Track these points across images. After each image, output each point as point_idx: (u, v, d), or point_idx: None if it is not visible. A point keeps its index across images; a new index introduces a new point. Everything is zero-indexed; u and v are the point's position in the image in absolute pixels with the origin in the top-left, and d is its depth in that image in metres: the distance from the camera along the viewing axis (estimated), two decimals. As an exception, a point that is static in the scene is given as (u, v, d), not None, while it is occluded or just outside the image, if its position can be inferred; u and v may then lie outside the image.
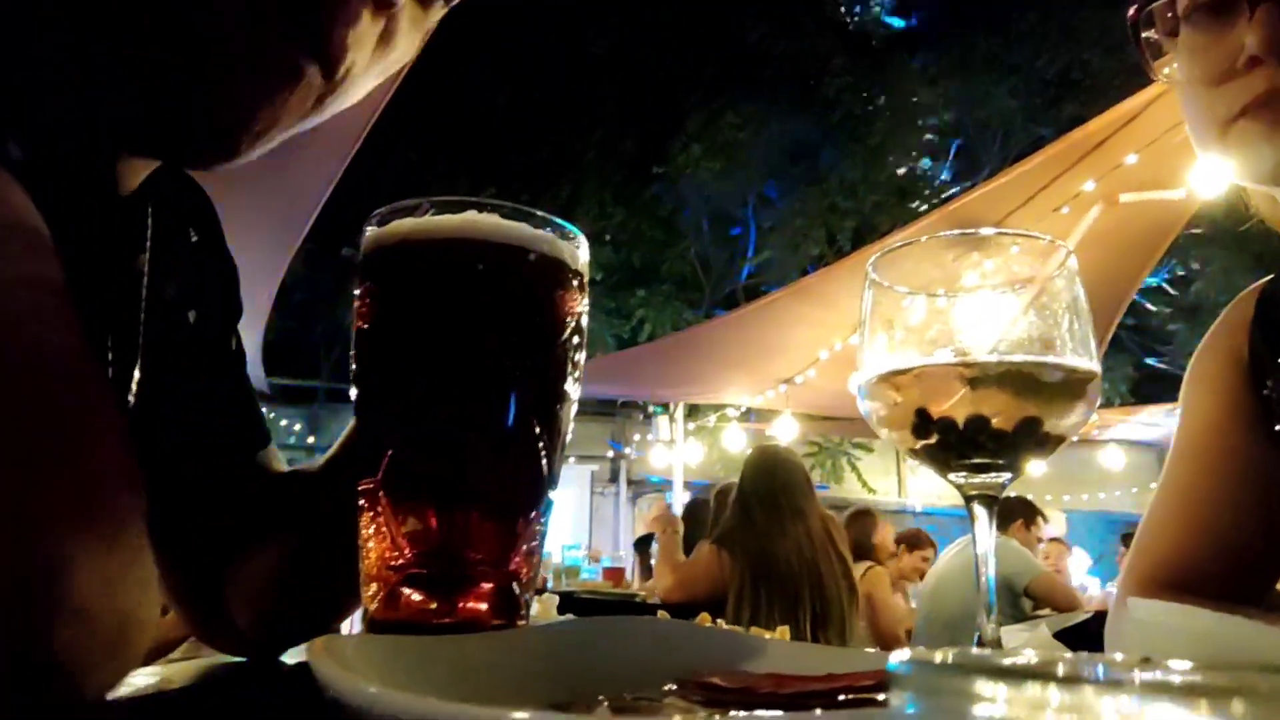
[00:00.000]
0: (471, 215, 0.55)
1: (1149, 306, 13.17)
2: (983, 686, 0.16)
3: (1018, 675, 0.17)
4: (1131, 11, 0.98)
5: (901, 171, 14.25)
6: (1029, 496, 5.62)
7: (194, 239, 0.88)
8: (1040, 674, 0.18)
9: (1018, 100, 14.40)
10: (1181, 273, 13.12)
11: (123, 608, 0.47)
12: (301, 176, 4.94)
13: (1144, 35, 0.97)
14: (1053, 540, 5.48)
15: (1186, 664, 0.20)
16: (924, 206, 11.56)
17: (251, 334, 7.75)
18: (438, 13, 0.71)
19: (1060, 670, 0.18)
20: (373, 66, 0.68)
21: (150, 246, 0.78)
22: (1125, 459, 10.35)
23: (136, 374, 0.75)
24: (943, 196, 11.82)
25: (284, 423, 12.61)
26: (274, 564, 0.85)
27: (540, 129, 14.97)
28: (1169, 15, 0.95)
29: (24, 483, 0.40)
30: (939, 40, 14.55)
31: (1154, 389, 11.93)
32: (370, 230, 0.58)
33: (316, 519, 0.83)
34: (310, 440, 12.88)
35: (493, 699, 0.32)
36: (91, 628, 0.44)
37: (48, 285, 0.46)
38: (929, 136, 14.34)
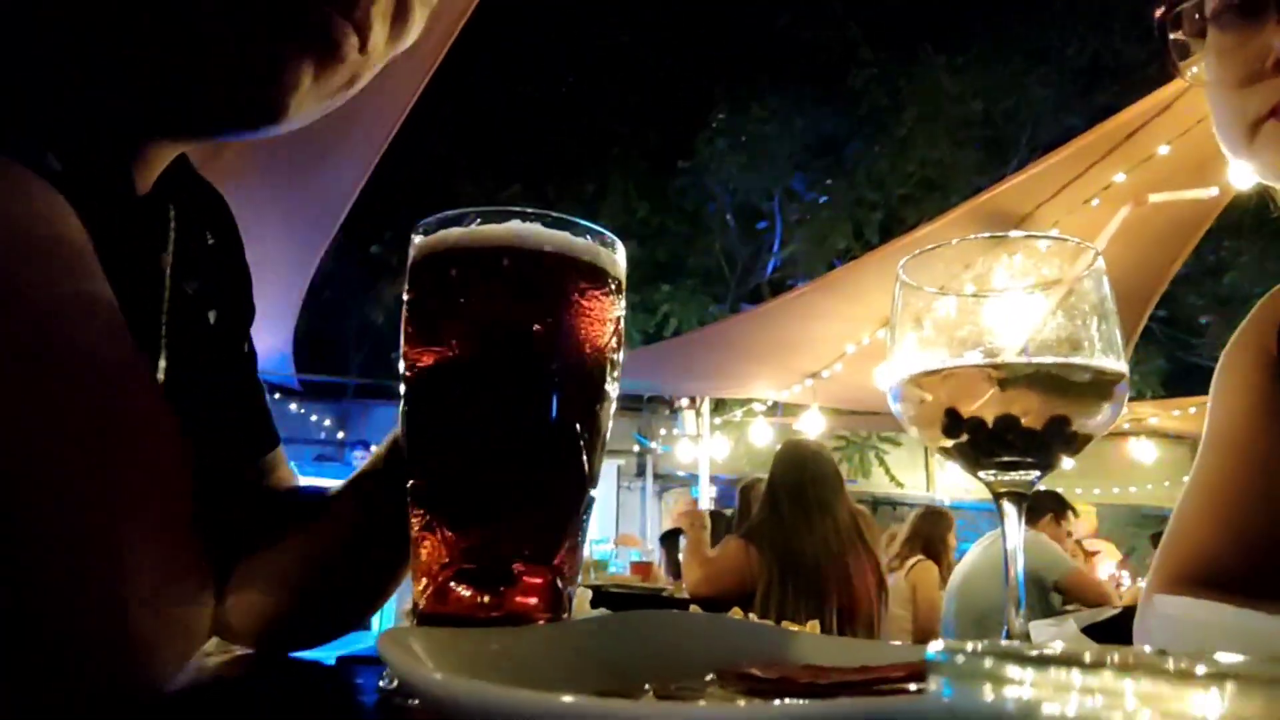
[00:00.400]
0: (516, 225, 0.57)
1: (1181, 298, 13.00)
2: (1012, 671, 0.18)
3: (1044, 662, 0.19)
4: (1159, 12, 0.99)
5: (929, 163, 14.13)
6: (1059, 490, 5.59)
7: (211, 241, 0.90)
8: (1065, 661, 0.20)
9: (1048, 89, 14.25)
10: (1214, 262, 12.94)
11: (185, 597, 0.50)
12: (332, 175, 4.99)
13: (1171, 36, 0.97)
14: (1076, 542, 5.44)
15: (1205, 654, 0.22)
16: (952, 198, 11.47)
17: (282, 330, 7.85)
18: None
19: (1085, 658, 0.20)
20: (391, 45, 0.73)
21: (173, 246, 0.80)
22: (1157, 452, 10.24)
23: (160, 371, 0.77)
24: (971, 188, 11.73)
25: (313, 418, 12.73)
26: (285, 572, 0.86)
27: (565, 123, 15.01)
28: (1196, 16, 0.95)
29: (95, 483, 0.43)
30: (968, 29, 14.42)
31: (1187, 382, 11.80)
32: (418, 239, 0.61)
33: (337, 531, 0.85)
34: (340, 435, 12.99)
35: (544, 689, 0.34)
36: (159, 616, 0.46)
37: (97, 298, 0.49)
38: (957, 127, 14.21)
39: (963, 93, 14.24)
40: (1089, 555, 6.24)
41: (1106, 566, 6.76)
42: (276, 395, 10.84)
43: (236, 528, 0.88)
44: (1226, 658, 0.22)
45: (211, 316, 0.89)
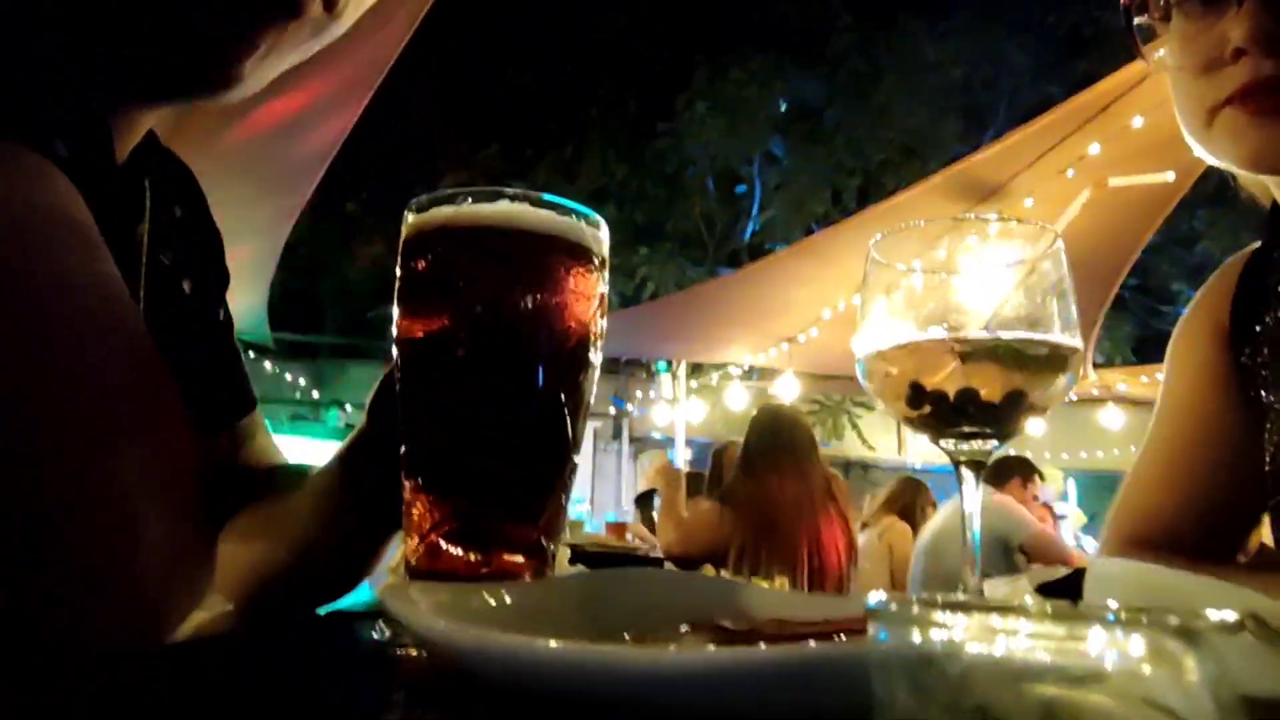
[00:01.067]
0: (505, 205, 0.60)
1: (1154, 266, 13.15)
2: (941, 616, 0.22)
3: (969, 609, 0.23)
4: None
5: (908, 130, 14.14)
6: (1028, 454, 5.70)
7: (179, 214, 0.92)
8: (992, 609, 0.23)
9: (1028, 57, 14.26)
10: (1187, 231, 13.07)
11: (192, 554, 0.53)
12: (311, 134, 4.95)
13: (1136, 20, 1.00)
14: (1042, 505, 5.58)
15: (1115, 605, 0.25)
16: (931, 165, 11.52)
17: (258, 289, 7.80)
18: None
19: (1013, 608, 0.24)
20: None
21: (149, 218, 0.82)
22: (1125, 418, 10.41)
23: None
24: (949, 155, 11.76)
25: (288, 377, 12.65)
26: (273, 538, 0.88)
27: (544, 86, 14.87)
28: (1162, 1, 0.98)
29: (113, 451, 0.46)
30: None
31: (1157, 349, 11.94)
32: (411, 216, 0.63)
33: (323, 499, 0.87)
34: (314, 395, 12.94)
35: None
36: (171, 572, 0.50)
37: (109, 277, 0.51)
38: (936, 94, 14.21)
39: (942, 60, 14.22)
40: (1057, 518, 6.39)
41: (1069, 528, 6.91)
42: (251, 354, 10.77)
43: (222, 491, 0.90)
44: (1144, 609, 0.26)
45: (187, 286, 0.91)
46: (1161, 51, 0.99)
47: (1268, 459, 0.98)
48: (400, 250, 0.63)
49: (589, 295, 0.63)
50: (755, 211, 14.95)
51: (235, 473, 0.96)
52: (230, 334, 1.01)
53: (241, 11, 0.66)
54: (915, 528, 5.34)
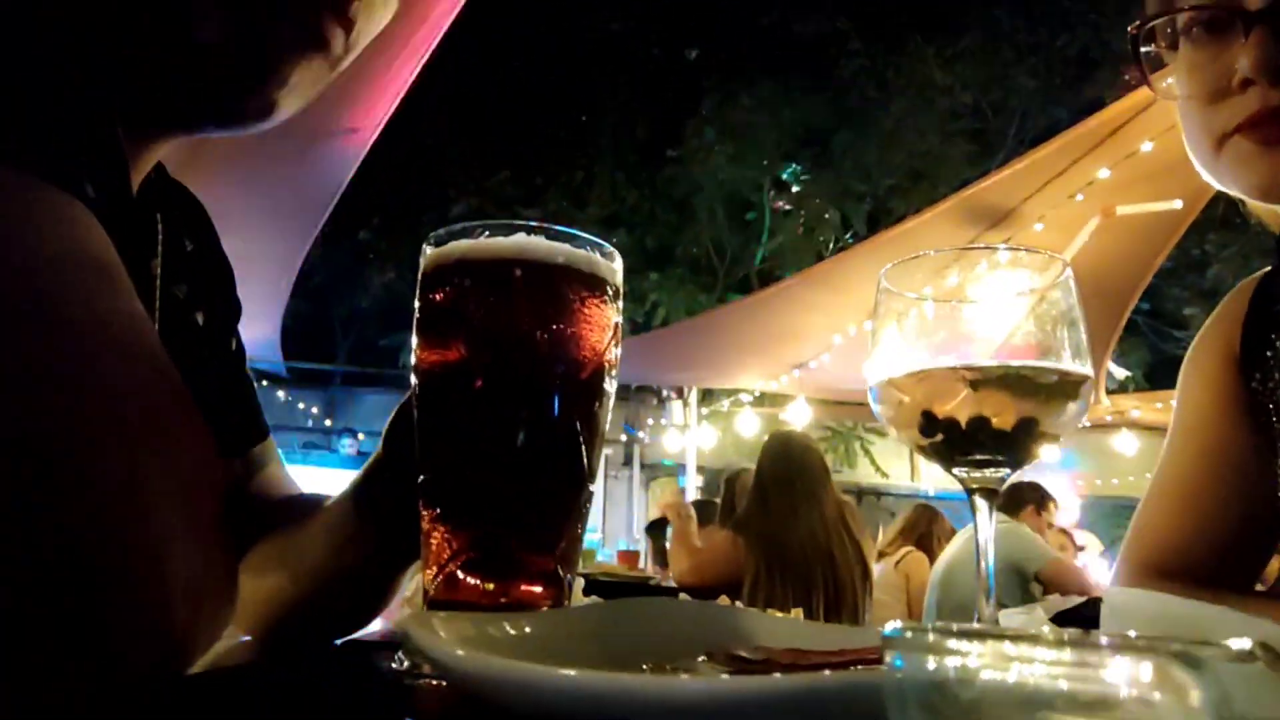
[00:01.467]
0: (521, 238, 0.62)
1: (1165, 291, 13.11)
2: (956, 644, 0.23)
3: (984, 637, 0.24)
4: (1132, 27, 1.02)
5: (917, 154, 14.18)
6: (1042, 481, 5.67)
7: (190, 248, 0.93)
8: (1006, 636, 0.24)
9: (1036, 81, 14.31)
10: (1198, 255, 13.04)
11: (217, 586, 0.54)
12: (323, 164, 5.00)
13: (1143, 49, 1.01)
14: (1060, 530, 5.53)
15: (1129, 634, 0.26)
16: (940, 189, 11.54)
17: (271, 317, 7.85)
18: None
19: (1019, 634, 0.25)
20: (367, 32, 0.76)
21: (161, 251, 0.83)
22: (1140, 444, 10.35)
23: None
24: (959, 180, 11.79)
25: (301, 405, 12.70)
26: (291, 569, 0.88)
27: (554, 111, 14.99)
28: (1169, 30, 0.99)
29: (147, 480, 0.47)
30: (957, 21, 14.45)
31: (1170, 374, 11.87)
32: (429, 250, 0.65)
33: (340, 530, 0.87)
34: (327, 423, 12.98)
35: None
36: (198, 604, 0.50)
37: (137, 316, 0.53)
38: (945, 119, 14.26)
39: (951, 84, 14.28)
40: (1077, 548, 6.33)
41: (1089, 557, 6.85)
42: (264, 382, 10.83)
43: (237, 521, 0.91)
44: (1153, 638, 0.26)
45: (200, 317, 0.92)
46: (1169, 80, 1.00)
47: None
48: (419, 282, 0.65)
49: (603, 325, 0.64)
50: (765, 237, 14.99)
51: (249, 502, 0.97)
52: (243, 364, 1.03)
53: (271, 47, 0.68)
54: (932, 557, 5.29)
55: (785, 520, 3.52)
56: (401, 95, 4.45)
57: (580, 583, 3.40)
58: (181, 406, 0.52)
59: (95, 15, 0.65)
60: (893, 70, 14.41)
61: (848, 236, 13.55)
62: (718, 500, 4.93)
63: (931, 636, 0.23)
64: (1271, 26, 0.86)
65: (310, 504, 0.95)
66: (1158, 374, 13.02)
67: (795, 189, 14.35)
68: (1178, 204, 5.05)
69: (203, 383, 0.89)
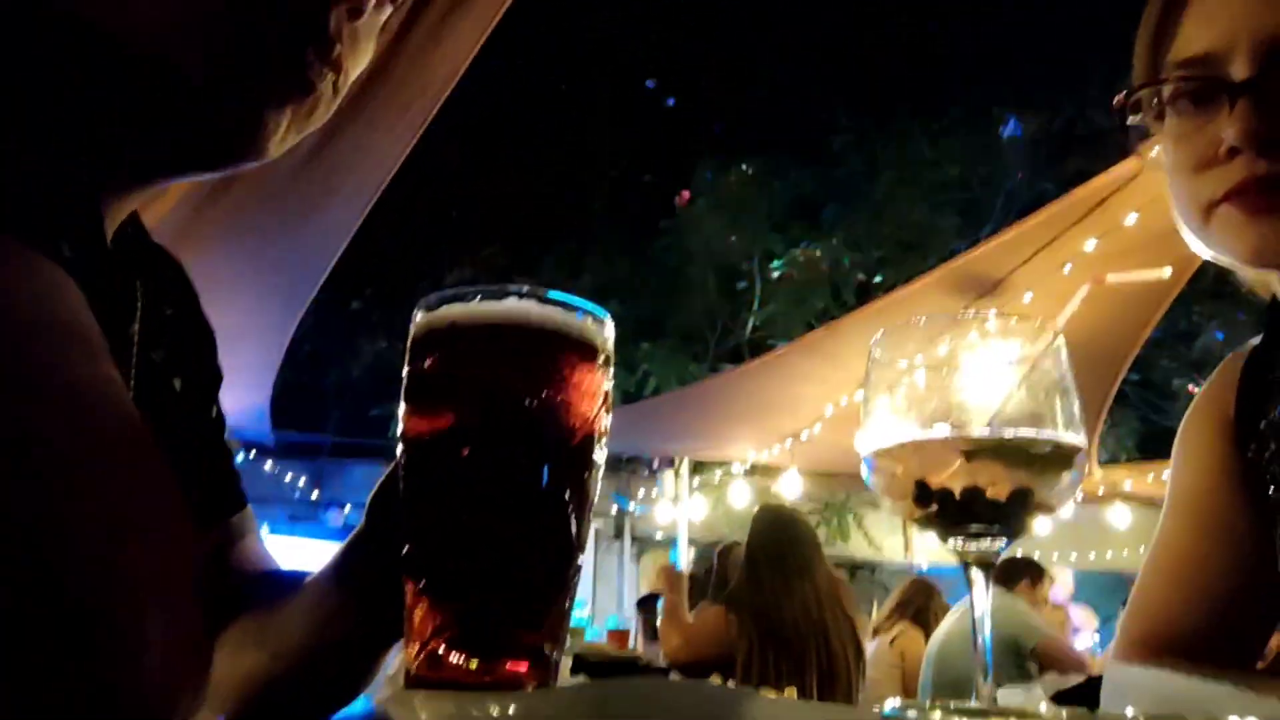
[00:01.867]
0: (513, 302, 0.61)
1: (1154, 362, 13.19)
2: (957, 729, 0.22)
3: (985, 716, 0.22)
4: (1118, 98, 1.04)
5: (906, 225, 14.38)
6: (1036, 555, 5.62)
7: (169, 312, 0.92)
8: (1009, 715, 0.23)
9: (1022, 155, 14.60)
10: (1186, 326, 13.16)
11: (192, 659, 0.52)
12: (316, 235, 5.04)
13: (1130, 120, 1.02)
14: (1055, 607, 5.47)
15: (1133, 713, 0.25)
16: (930, 260, 11.68)
17: (262, 387, 7.82)
18: (385, 13, 0.78)
19: (1021, 713, 0.24)
20: (359, 66, 0.77)
21: (140, 316, 0.82)
22: (1132, 516, 10.29)
23: None
24: (948, 250, 11.93)
25: (288, 477, 12.55)
26: (271, 645, 0.86)
27: (547, 183, 15.20)
28: (1155, 101, 1.00)
29: (114, 551, 0.46)
30: (944, 96, 14.80)
31: (1161, 446, 11.90)
32: (420, 314, 0.64)
33: (322, 606, 0.85)
34: (314, 495, 12.82)
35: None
36: (177, 664, 0.48)
37: (113, 381, 0.52)
38: (934, 191, 14.49)
39: (939, 158, 14.55)
40: (1068, 619, 6.25)
41: (1083, 634, 6.76)
42: (253, 453, 10.74)
43: (213, 595, 0.88)
44: (1160, 717, 0.25)
45: (178, 384, 0.91)
46: (1156, 150, 1.02)
47: None
48: (409, 347, 0.64)
49: (594, 393, 0.64)
50: (756, 307, 15.09)
51: (225, 575, 0.94)
52: (222, 432, 1.01)
53: (257, 92, 0.68)
54: (928, 633, 5.21)
55: (778, 596, 3.48)
56: (398, 165, 4.51)
57: (568, 661, 3.34)
58: (157, 476, 0.51)
59: (70, 62, 0.65)
60: (881, 144, 14.70)
61: (838, 307, 13.64)
62: (708, 575, 4.87)
63: (931, 716, 0.22)
64: (1256, 96, 0.88)
65: (289, 580, 0.93)
66: (1148, 445, 13.03)
67: (786, 259, 14.48)
68: (1166, 272, 5.10)
69: (179, 450, 0.88)
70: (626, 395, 12.75)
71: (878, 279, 13.95)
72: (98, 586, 0.43)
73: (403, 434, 0.64)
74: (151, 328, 0.84)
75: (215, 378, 1.00)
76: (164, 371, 0.88)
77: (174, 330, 0.92)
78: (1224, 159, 0.91)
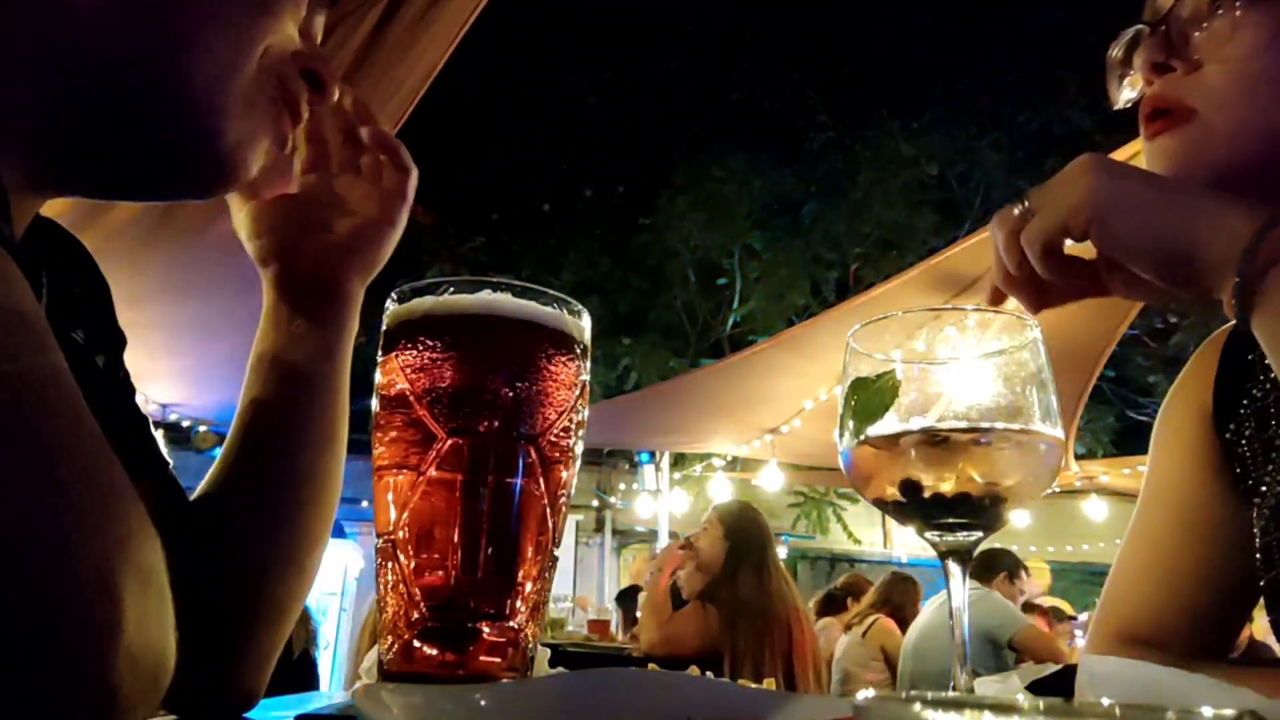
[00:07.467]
0: (487, 294, 0.61)
1: (1130, 358, 13.31)
2: (931, 713, 0.21)
3: (960, 706, 0.22)
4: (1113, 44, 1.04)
5: (885, 224, 14.44)
6: (1014, 548, 5.65)
7: (77, 291, 0.93)
8: (979, 705, 0.23)
9: (1000, 154, 14.68)
10: (1160, 324, 13.29)
11: (157, 647, 0.51)
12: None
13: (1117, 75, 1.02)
14: (1033, 606, 5.51)
15: (1106, 703, 0.25)
16: (908, 258, 11.73)
17: (238, 382, 7.75)
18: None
19: (997, 703, 0.23)
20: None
21: (47, 296, 0.83)
22: (1108, 510, 10.39)
23: None
24: (926, 248, 11.99)
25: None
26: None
27: (528, 180, 15.16)
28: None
29: (76, 533, 0.45)
30: (923, 96, 14.86)
31: (1136, 440, 12.02)
32: (393, 306, 0.63)
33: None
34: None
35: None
36: (137, 666, 0.48)
37: (60, 369, 0.51)
38: (912, 189, 14.55)
39: (917, 156, 14.61)
40: (1051, 621, 6.29)
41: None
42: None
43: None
44: (1137, 706, 0.25)
45: (100, 361, 0.92)
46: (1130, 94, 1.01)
47: (1257, 535, 0.97)
48: (382, 339, 0.63)
49: (570, 383, 0.63)
50: (736, 303, 15.11)
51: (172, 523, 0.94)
52: (133, 396, 1.01)
53: (236, 145, 0.73)
54: (906, 627, 5.23)
55: (752, 588, 3.53)
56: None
57: (546, 653, 3.34)
58: (109, 460, 0.51)
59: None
60: (860, 142, 14.75)
61: (817, 304, 13.68)
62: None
63: (906, 705, 0.21)
64: (1156, 28, 0.90)
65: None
66: (1124, 440, 13.15)
67: (766, 256, 14.53)
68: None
69: (111, 426, 0.87)
70: (608, 389, 12.74)
71: (857, 277, 14.01)
72: (60, 578, 0.42)
73: (375, 424, 0.63)
74: (65, 309, 0.85)
75: (119, 341, 1.00)
76: (87, 351, 0.89)
77: (85, 307, 0.92)
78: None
